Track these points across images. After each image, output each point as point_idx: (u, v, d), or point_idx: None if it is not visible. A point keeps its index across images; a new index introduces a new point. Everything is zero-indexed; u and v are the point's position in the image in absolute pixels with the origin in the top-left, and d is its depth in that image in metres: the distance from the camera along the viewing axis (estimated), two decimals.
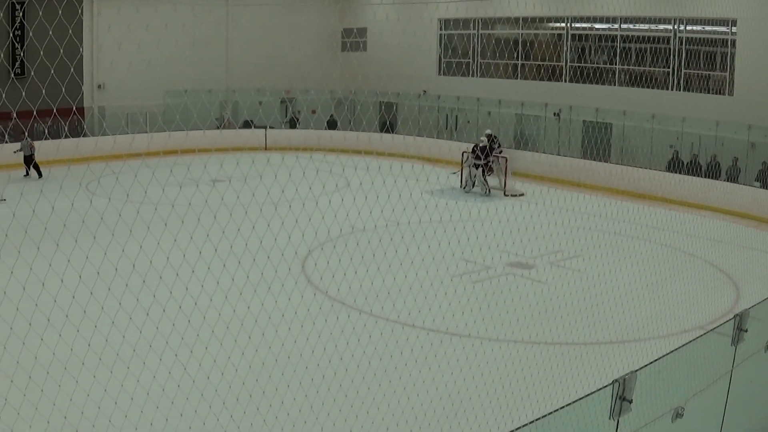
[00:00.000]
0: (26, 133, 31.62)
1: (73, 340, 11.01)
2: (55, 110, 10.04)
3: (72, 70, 33.71)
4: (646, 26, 34.69)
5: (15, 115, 11.01)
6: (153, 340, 11.34)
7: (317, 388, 11.75)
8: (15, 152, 30.91)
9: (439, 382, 12.30)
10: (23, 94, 10.41)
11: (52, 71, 10.14)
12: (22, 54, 35.08)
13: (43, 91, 9.52)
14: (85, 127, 37.69)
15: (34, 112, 10.68)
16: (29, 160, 32.16)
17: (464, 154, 30.62)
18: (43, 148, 30.45)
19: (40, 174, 31.99)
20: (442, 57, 42.95)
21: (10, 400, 9.93)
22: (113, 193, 12.41)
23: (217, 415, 10.77)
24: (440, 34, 42.77)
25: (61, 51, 10.51)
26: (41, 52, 10.04)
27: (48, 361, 11.09)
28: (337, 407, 11.28)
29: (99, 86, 39.22)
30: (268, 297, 12.49)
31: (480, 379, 12.59)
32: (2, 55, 35.22)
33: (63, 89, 9.96)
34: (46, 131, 33.02)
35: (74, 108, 35.44)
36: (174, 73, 39.53)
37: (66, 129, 33.89)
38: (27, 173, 32.30)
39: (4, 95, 10.60)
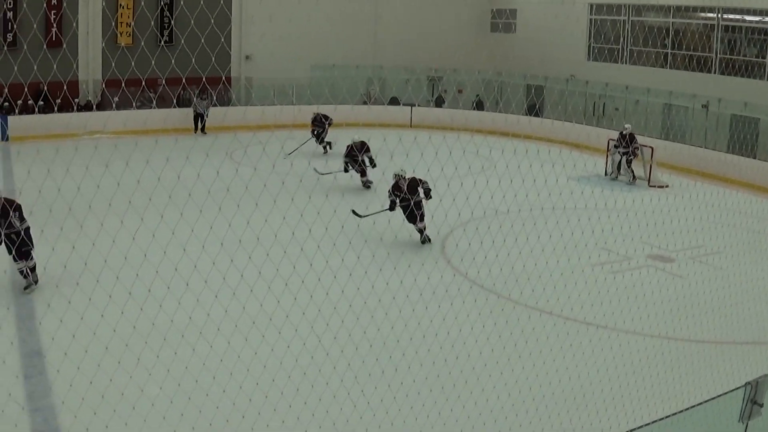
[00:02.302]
0: (200, 95, 33.18)
1: (210, 306, 11.22)
2: (204, 79, 10.25)
3: (222, 40, 34.47)
4: None
5: (164, 82, 11.28)
6: (273, 313, 11.39)
7: (450, 369, 11.78)
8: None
9: (572, 371, 12.19)
10: (173, 61, 10.64)
11: (202, 41, 10.35)
12: (172, 23, 35.87)
13: (193, 60, 9.72)
14: (233, 96, 38.43)
15: (183, 80, 10.90)
16: (200, 119, 34.70)
17: (609, 141, 30.24)
18: (191, 116, 31.31)
19: (203, 131, 34.44)
20: (592, 42, 42.36)
21: (142, 360, 10.20)
22: (259, 163, 12.60)
23: (348, 390, 10.88)
24: (590, 19, 42.17)
25: (213, 21, 10.72)
26: (192, 22, 10.25)
27: (184, 325, 11.37)
28: (468, 389, 11.30)
29: (246, 57, 39.81)
30: (407, 275, 12.53)
31: (613, 372, 12.45)
32: (153, 24, 36.08)
33: (213, 58, 10.16)
34: (194, 99, 33.98)
35: (223, 77, 36.13)
36: (321, 48, 39.90)
37: (214, 98, 34.72)
38: (197, 130, 34.62)
39: (153, 62, 10.86)
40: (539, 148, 21.87)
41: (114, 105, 32.96)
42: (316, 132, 31.05)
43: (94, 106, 35.56)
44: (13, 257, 14.50)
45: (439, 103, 42.35)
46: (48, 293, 10.99)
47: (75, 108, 34.63)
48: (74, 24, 35.71)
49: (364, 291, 12.22)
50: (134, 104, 33.49)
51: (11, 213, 14.87)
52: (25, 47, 31.62)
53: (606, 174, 30.12)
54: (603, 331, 14.28)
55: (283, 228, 11.02)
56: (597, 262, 18.17)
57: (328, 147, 30.60)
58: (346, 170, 24.01)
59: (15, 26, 34.38)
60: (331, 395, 10.80)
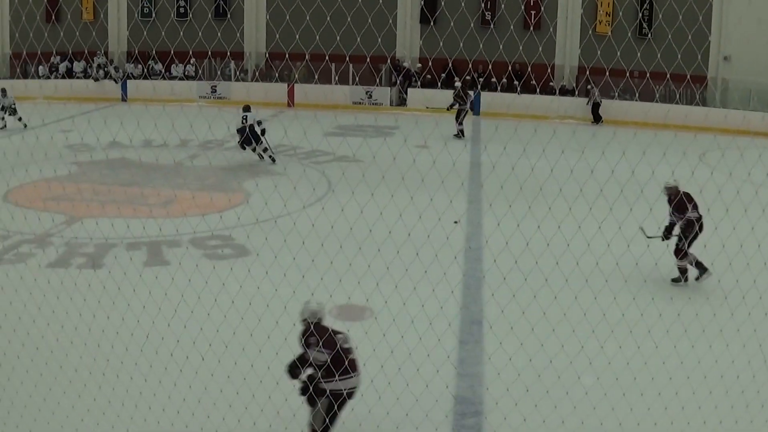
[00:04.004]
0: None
1: (548, 305, 10.93)
2: (688, 76, 10.06)
3: (709, 38, 33.72)
4: None
5: (648, 75, 11.18)
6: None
7: None
8: None
9: None
10: (658, 55, 10.52)
11: (690, 37, 10.15)
12: (660, 16, 35.46)
13: (679, 56, 9.58)
14: (717, 96, 37.49)
15: (668, 75, 10.75)
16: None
17: None
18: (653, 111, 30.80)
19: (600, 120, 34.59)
20: None
21: (587, 348, 10.15)
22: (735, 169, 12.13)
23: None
24: None
25: (700, 18, 10.50)
26: (680, 17, 10.10)
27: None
28: None
29: (725, 58, 38.55)
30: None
31: None
32: (640, 14, 35.92)
33: (699, 56, 9.95)
34: (678, 95, 33.42)
35: (707, 76, 35.32)
36: None
37: (697, 96, 34.12)
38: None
39: (640, 54, 10.84)
40: None
41: (597, 93, 33.27)
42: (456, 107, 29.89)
43: (576, 91, 36.02)
44: None
45: None
46: (506, 267, 11.23)
47: (556, 92, 35.36)
48: (556, 9, 36.43)
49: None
50: (615, 93, 33.66)
51: None
52: (511, 27, 32.64)
53: None
54: None
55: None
56: None
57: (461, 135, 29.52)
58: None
59: (500, 6, 35.60)
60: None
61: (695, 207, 14.54)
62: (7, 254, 15.82)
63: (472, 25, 32.07)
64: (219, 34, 31.15)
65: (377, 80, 35.67)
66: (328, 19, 9.71)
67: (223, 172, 22.23)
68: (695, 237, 14.32)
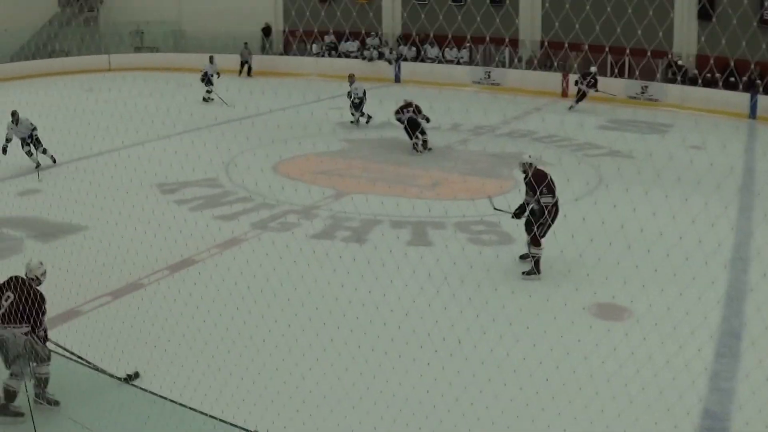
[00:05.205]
0: None
1: None
2: None
3: None
4: None
5: None
6: None
7: None
8: None
9: None
10: None
11: None
12: None
13: None
14: None
15: None
16: None
17: None
18: None
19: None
20: None
21: None
22: None
23: None
24: None
25: None
26: None
27: None
28: None
29: None
30: None
31: None
32: None
33: None
34: None
35: None
36: None
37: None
38: None
39: None
40: None
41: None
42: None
43: None
44: None
45: None
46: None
47: None
48: None
49: None
50: None
51: None
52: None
53: None
54: None
55: None
56: None
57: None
58: None
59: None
60: None
61: (548, 191, 12.86)
62: (273, 222, 16.38)
63: (754, 23, 30.96)
64: (496, 20, 31.20)
65: (656, 76, 34.64)
66: (609, 9, 9.60)
67: (494, 158, 22.25)
68: (545, 225, 12.92)
